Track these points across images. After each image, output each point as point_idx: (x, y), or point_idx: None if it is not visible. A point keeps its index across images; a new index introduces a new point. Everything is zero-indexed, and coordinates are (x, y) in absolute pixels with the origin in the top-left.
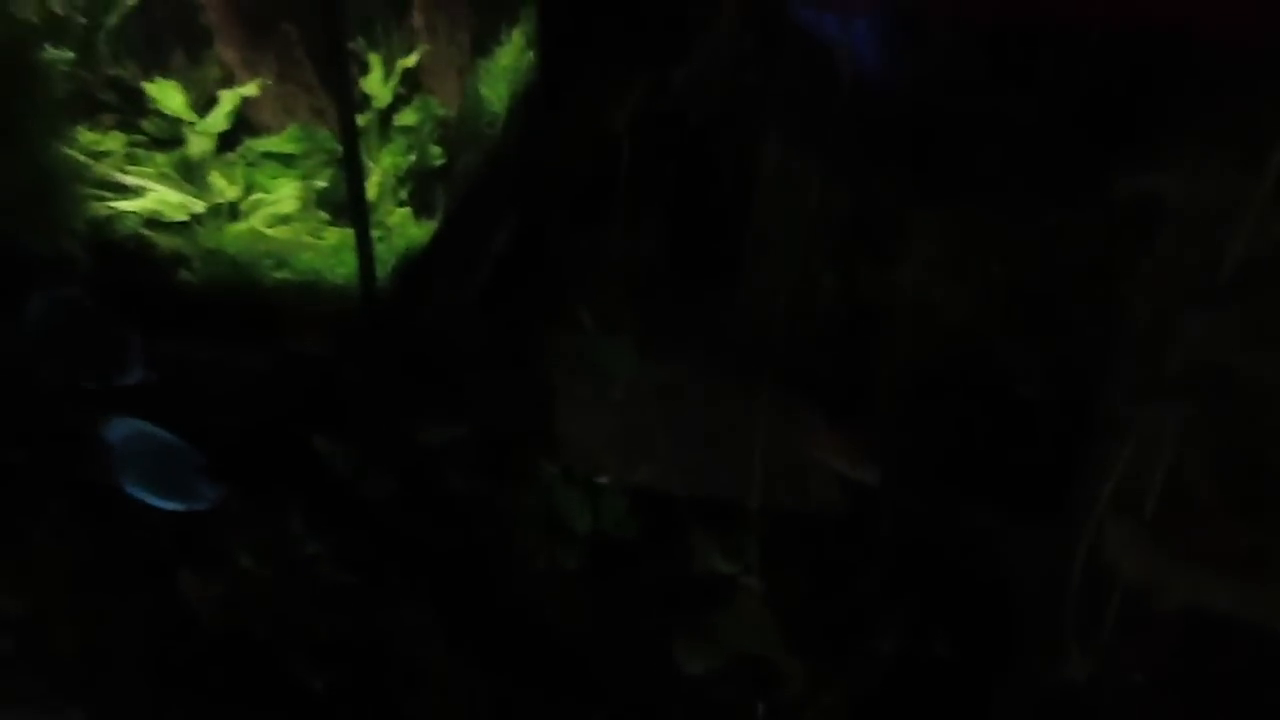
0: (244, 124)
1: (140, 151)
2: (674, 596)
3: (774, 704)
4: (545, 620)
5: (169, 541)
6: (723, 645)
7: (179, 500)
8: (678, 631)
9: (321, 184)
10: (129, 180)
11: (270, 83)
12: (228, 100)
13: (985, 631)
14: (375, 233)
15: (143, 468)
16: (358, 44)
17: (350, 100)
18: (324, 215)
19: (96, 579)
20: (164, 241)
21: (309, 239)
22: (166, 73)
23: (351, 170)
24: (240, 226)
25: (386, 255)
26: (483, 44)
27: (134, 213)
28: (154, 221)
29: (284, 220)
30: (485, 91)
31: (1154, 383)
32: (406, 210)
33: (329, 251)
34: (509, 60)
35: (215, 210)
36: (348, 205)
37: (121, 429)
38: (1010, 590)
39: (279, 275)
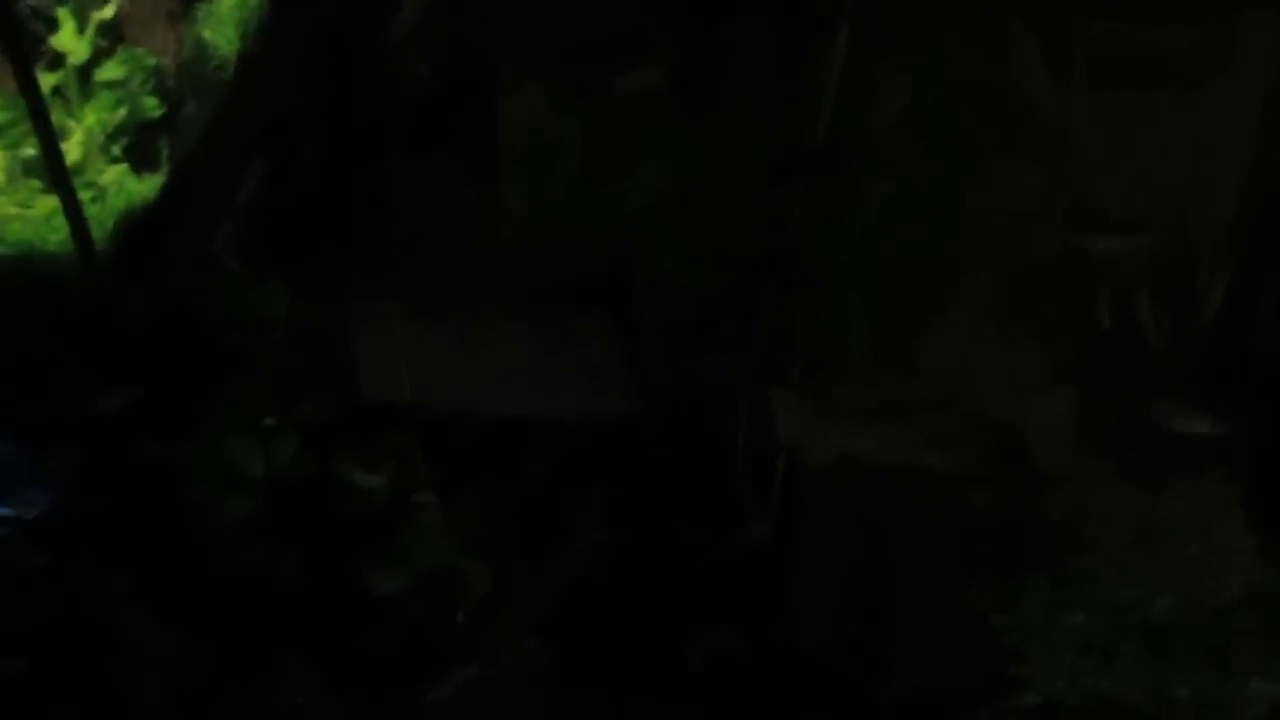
0: None
1: None
2: (360, 524)
3: (470, 610)
4: (239, 567)
5: None
6: (412, 563)
7: (4, 506)
8: (367, 557)
9: (30, 151)
10: None
11: None
12: None
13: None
14: (86, 194)
15: None
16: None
17: (24, 56)
18: (35, 183)
19: None
20: None
21: (17, 209)
22: None
23: (43, 132)
24: None
25: (103, 216)
26: None
27: None
28: None
29: None
30: (209, 35)
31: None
32: (123, 167)
33: (40, 220)
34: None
35: None
36: (48, 169)
37: None
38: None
39: None
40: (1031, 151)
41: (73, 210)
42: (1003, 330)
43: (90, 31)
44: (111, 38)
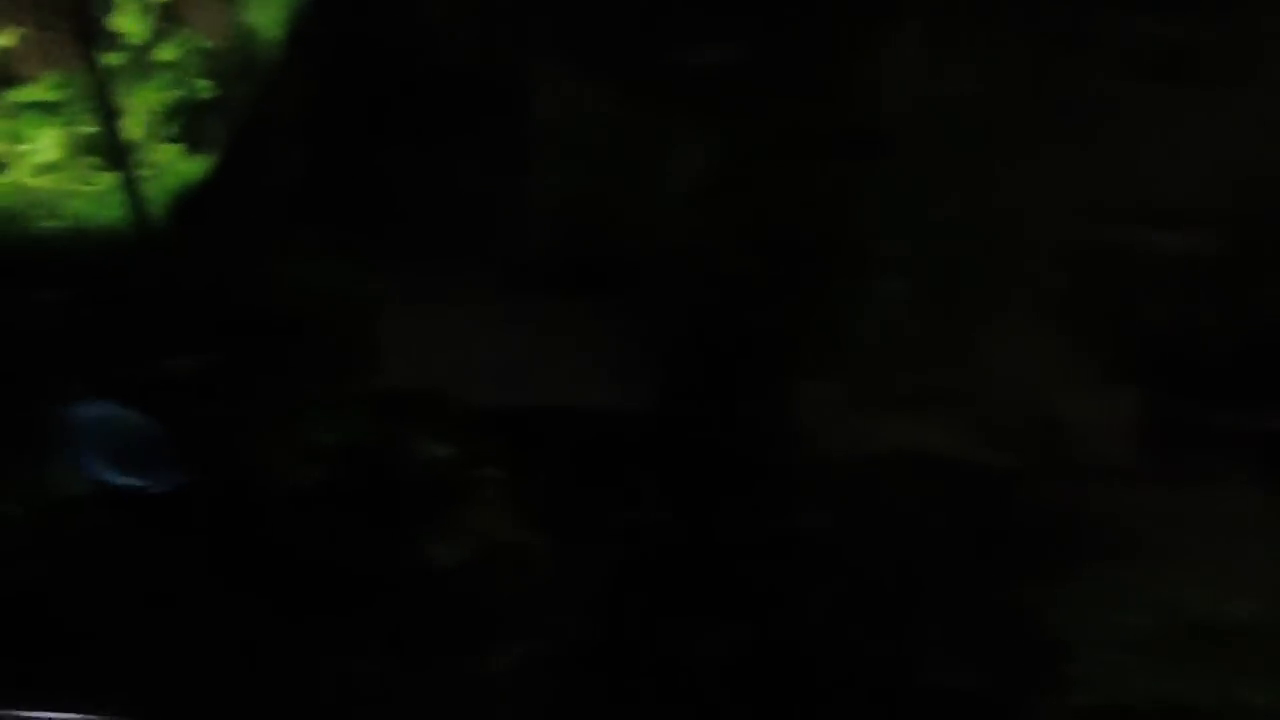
0: (5, 76)
1: None
2: (425, 496)
3: (528, 584)
4: (303, 535)
5: None
6: (475, 535)
7: (141, 479)
8: (431, 529)
9: (87, 129)
10: None
11: (30, 32)
12: None
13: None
14: (142, 172)
15: (108, 447)
16: None
17: (90, 36)
18: (92, 160)
19: None
20: None
21: (75, 186)
22: None
23: (105, 110)
24: (4, 179)
25: (157, 195)
26: None
27: None
28: None
29: (50, 169)
30: (255, 19)
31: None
32: (176, 147)
33: (96, 197)
34: None
35: None
36: (107, 148)
37: (90, 409)
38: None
39: (49, 224)
40: (1091, 144)
41: (131, 186)
42: (1057, 324)
43: (149, 13)
44: (169, 19)
